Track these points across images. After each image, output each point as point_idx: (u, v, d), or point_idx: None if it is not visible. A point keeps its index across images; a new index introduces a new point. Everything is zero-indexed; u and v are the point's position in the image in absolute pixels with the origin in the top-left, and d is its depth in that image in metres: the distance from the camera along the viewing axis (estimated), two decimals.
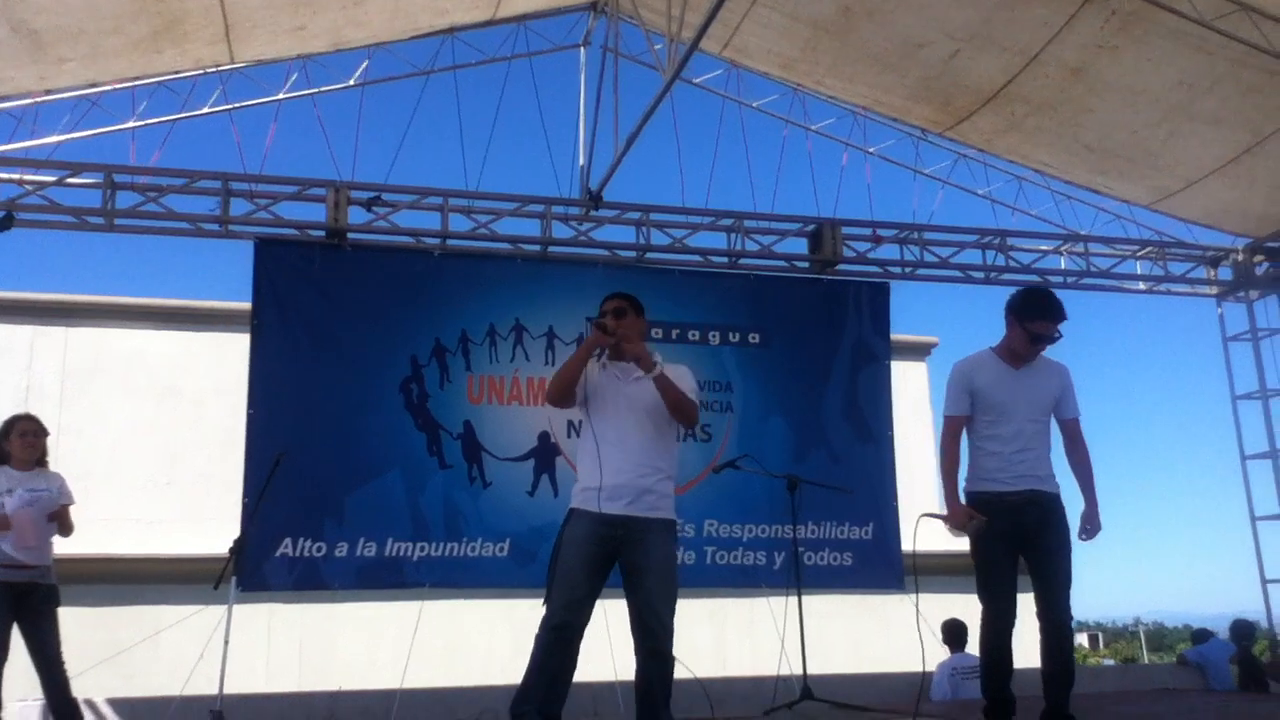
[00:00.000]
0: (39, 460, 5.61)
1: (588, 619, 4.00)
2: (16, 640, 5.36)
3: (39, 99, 7.17)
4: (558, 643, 3.94)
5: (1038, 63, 7.12)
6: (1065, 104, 7.53)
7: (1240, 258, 9.28)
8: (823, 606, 7.15)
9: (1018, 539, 4.40)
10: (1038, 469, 4.46)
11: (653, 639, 3.98)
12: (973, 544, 4.46)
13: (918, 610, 5.20)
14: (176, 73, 7.32)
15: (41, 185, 7.25)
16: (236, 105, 7.66)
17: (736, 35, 7.75)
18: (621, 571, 4.07)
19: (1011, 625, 4.42)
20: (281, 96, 7.73)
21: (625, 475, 4.03)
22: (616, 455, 4.05)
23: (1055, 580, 4.37)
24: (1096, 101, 7.43)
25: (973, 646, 7.42)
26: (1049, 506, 4.46)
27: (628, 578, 4.05)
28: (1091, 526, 4.52)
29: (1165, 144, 7.78)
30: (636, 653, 4.02)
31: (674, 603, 4.04)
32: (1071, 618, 4.42)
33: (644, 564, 4.01)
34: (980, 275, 8.81)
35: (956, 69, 7.36)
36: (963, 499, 4.52)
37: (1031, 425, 4.49)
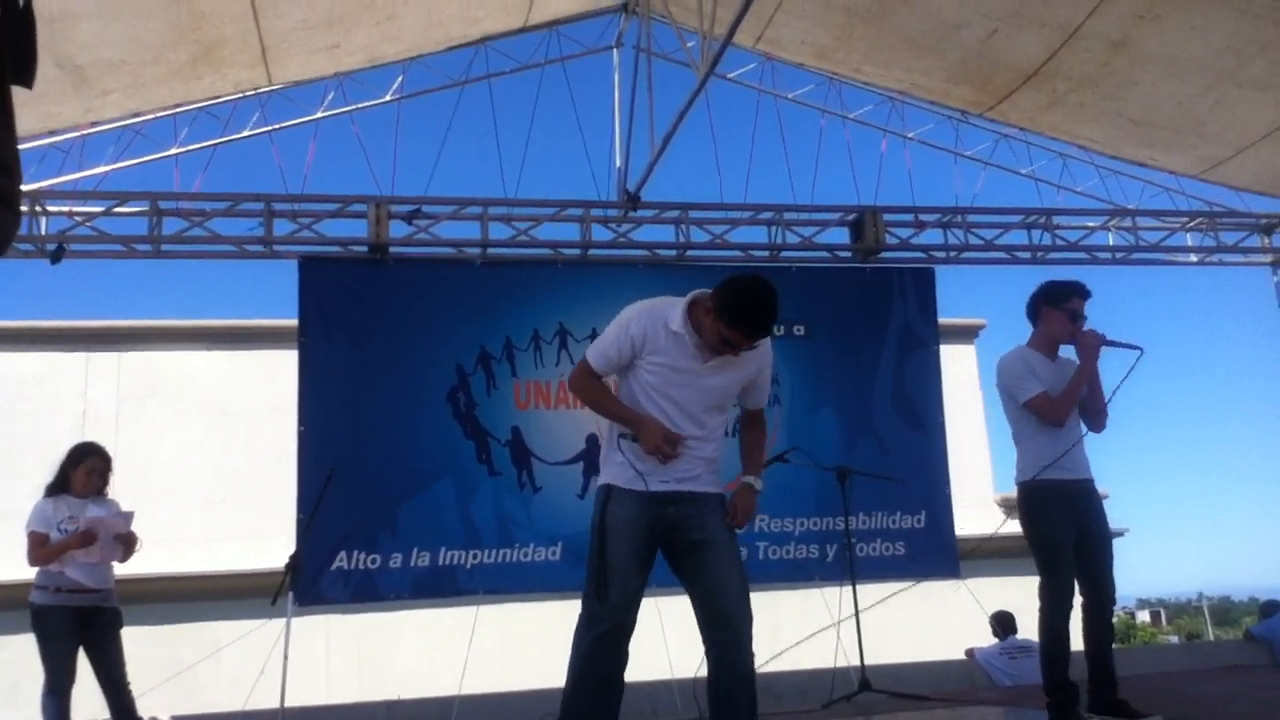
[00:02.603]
0: (98, 492, 5.69)
1: (637, 618, 3.35)
2: (83, 663, 5.46)
3: (85, 132, 7.31)
4: (609, 648, 3.29)
5: (1078, 38, 6.99)
6: (1108, 78, 7.38)
7: None
8: (876, 596, 7.10)
9: (1075, 527, 4.49)
10: (1083, 455, 4.61)
11: (731, 628, 3.27)
12: (1040, 531, 4.52)
13: None
14: (216, 98, 7.42)
15: (90, 216, 7.39)
16: (276, 127, 7.75)
17: (770, 27, 7.69)
18: (676, 555, 3.43)
19: (1071, 608, 4.46)
20: (320, 115, 7.81)
21: (684, 447, 3.39)
22: (677, 425, 3.40)
23: (1106, 563, 4.54)
24: (1140, 74, 7.29)
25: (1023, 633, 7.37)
26: (1095, 493, 4.62)
27: (687, 560, 3.39)
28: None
29: (1213, 112, 7.61)
30: (709, 651, 3.32)
31: (747, 581, 3.41)
32: (1114, 599, 4.64)
33: (708, 538, 3.36)
34: (1026, 255, 8.68)
35: (995, 48, 7.25)
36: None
37: (1074, 414, 4.62)
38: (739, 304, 3.36)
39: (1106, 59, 7.15)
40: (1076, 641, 4.50)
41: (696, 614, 3.35)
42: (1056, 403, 4.50)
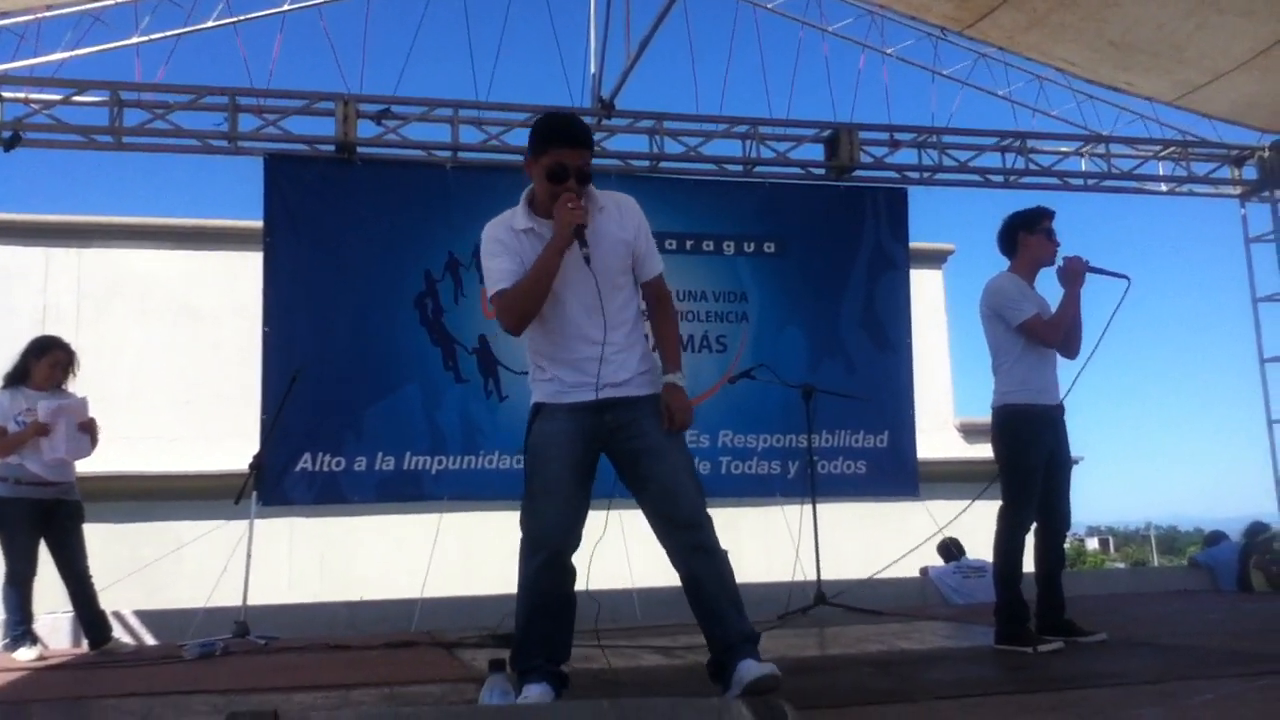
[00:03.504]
0: (58, 385, 5.61)
1: (581, 535, 3.16)
2: (45, 555, 5.46)
3: (41, 15, 7.07)
4: (553, 574, 3.10)
5: None
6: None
7: (1266, 155, 9.09)
8: (836, 514, 7.21)
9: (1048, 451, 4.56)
10: (1058, 384, 4.64)
11: (693, 533, 3.10)
12: (1019, 456, 4.52)
13: None
14: None
15: (48, 104, 7.18)
16: (241, 18, 7.56)
17: None
18: (620, 465, 3.21)
19: (1028, 532, 4.55)
20: (287, 8, 7.61)
21: (609, 349, 3.15)
22: (593, 329, 3.15)
23: (1064, 490, 4.62)
24: None
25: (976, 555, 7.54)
26: (1062, 419, 4.66)
27: (632, 469, 3.18)
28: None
29: (1192, 37, 7.56)
30: (677, 560, 3.14)
31: (700, 483, 3.23)
32: (1069, 520, 4.74)
33: (651, 445, 3.14)
34: (1000, 179, 8.67)
35: None
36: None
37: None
38: (540, 126, 3.27)
39: None
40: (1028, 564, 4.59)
41: (652, 523, 3.17)
42: (1050, 324, 4.53)
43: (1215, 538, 9.82)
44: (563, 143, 3.16)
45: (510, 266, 3.18)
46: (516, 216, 3.25)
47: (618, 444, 3.18)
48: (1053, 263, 4.65)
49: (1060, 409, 4.61)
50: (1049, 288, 4.70)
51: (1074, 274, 4.56)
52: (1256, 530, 8.95)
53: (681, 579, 3.15)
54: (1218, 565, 9.08)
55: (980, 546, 5.88)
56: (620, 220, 3.24)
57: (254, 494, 5.91)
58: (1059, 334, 4.54)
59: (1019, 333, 4.54)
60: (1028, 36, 7.94)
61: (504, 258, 3.19)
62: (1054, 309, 4.59)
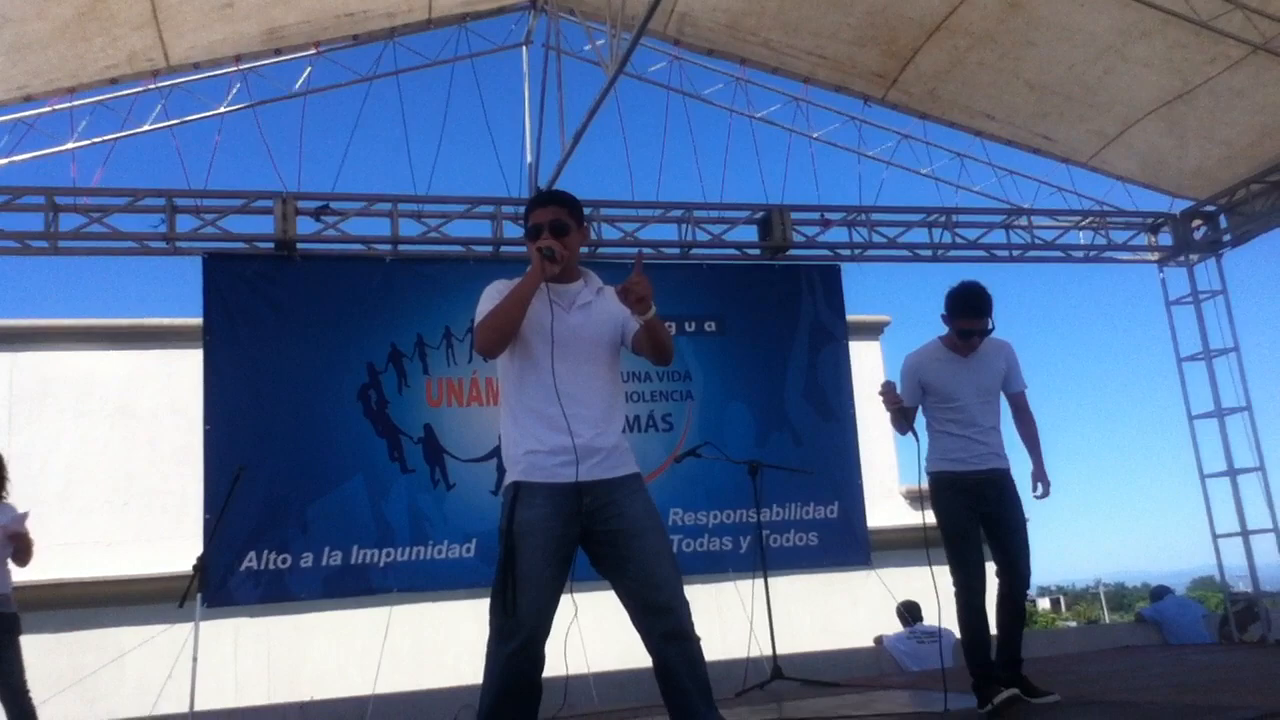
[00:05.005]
0: None
1: (552, 623, 3.09)
2: None
3: None
4: (524, 661, 3.01)
5: None
6: (1006, 35, 7.56)
7: (1179, 222, 9.48)
8: (790, 587, 7.25)
9: (980, 515, 4.64)
10: (993, 447, 4.71)
11: (669, 618, 3.03)
12: (940, 522, 4.66)
13: None
14: (113, 80, 7.22)
15: None
16: (177, 121, 7.60)
17: (680, 1, 7.71)
18: (596, 547, 3.15)
19: (984, 593, 4.59)
20: (223, 110, 7.68)
21: (591, 430, 3.14)
22: (576, 406, 3.13)
23: (1016, 548, 4.62)
24: (1036, 35, 7.51)
25: (931, 620, 7.60)
26: (1004, 482, 4.71)
27: (610, 551, 3.12)
28: (1043, 484, 4.80)
29: (1102, 81, 7.90)
30: (651, 645, 3.06)
31: (677, 565, 3.15)
32: (1030, 573, 4.68)
33: (631, 527, 3.10)
34: (928, 254, 8.93)
35: (900, 1, 7.42)
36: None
37: (982, 407, 4.73)
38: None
39: (1004, 17, 7.39)
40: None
41: (628, 607, 3.10)
42: (893, 417, 4.69)
43: (1160, 592, 10.03)
44: (535, 206, 3.37)
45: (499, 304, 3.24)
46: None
47: (595, 525, 3.12)
48: (966, 356, 4.72)
49: (987, 473, 4.64)
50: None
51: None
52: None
53: (654, 664, 3.09)
54: (1164, 620, 9.25)
55: (931, 611, 5.95)
56: (614, 299, 3.24)
57: (198, 596, 5.80)
58: (896, 427, 4.74)
59: None
60: (949, 83, 8.18)
61: (496, 299, 3.24)
62: (965, 388, 4.68)
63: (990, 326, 4.71)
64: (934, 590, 4.59)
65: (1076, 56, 7.70)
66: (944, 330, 4.81)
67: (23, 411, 11.91)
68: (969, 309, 4.67)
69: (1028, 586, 4.73)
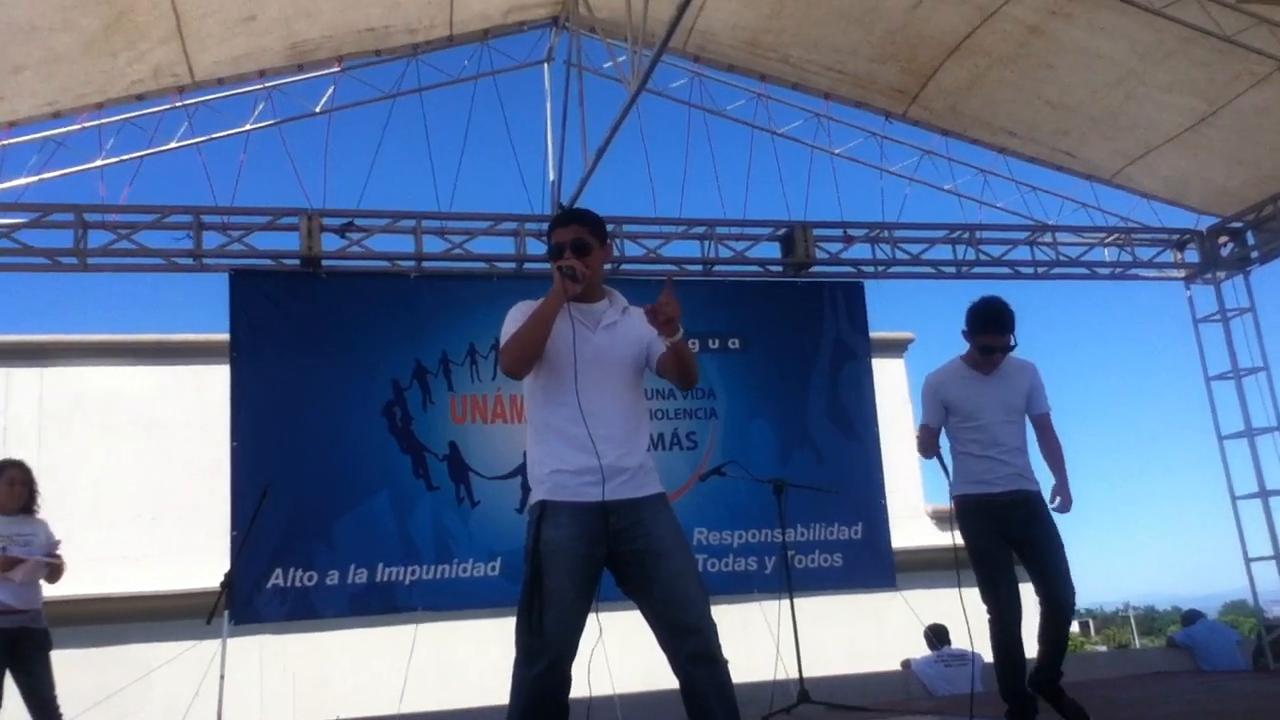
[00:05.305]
0: (24, 507, 5.56)
1: (579, 643, 3.05)
2: (10, 687, 5.33)
3: (5, 142, 7.15)
4: (551, 682, 2.98)
5: (997, 17, 7.18)
6: (1026, 57, 7.55)
7: (1205, 239, 9.39)
8: (814, 608, 7.19)
9: (1009, 538, 4.55)
10: (1018, 468, 4.61)
11: (696, 639, 2.99)
12: (969, 545, 4.57)
13: None
14: (140, 96, 7.28)
15: (13, 228, 7.22)
16: (204, 138, 7.66)
17: (701, 16, 7.66)
18: (622, 567, 3.11)
19: (1019, 619, 4.48)
20: (249, 127, 7.73)
21: (616, 450, 3.12)
22: (600, 426, 3.12)
23: (1052, 565, 4.48)
24: (1056, 59, 7.50)
25: (959, 643, 7.52)
26: (1034, 503, 4.59)
27: (636, 572, 3.08)
28: (1062, 498, 4.67)
29: (1123, 106, 7.86)
30: (678, 667, 3.01)
31: (705, 586, 3.12)
32: (1074, 594, 4.49)
33: (657, 547, 3.06)
34: (952, 270, 8.89)
35: (919, 20, 7.37)
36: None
37: (1005, 426, 4.63)
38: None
39: (1024, 40, 7.37)
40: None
41: (654, 628, 3.05)
42: (920, 440, 4.64)
43: (1192, 617, 9.88)
44: (557, 225, 3.36)
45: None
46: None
47: (621, 545, 3.09)
48: (990, 368, 4.64)
49: (1013, 494, 4.54)
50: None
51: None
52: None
53: (681, 687, 3.03)
54: (1197, 645, 9.11)
55: (960, 634, 5.88)
56: (639, 320, 3.22)
57: (225, 613, 5.81)
58: (921, 453, 4.66)
59: None
60: (970, 100, 8.15)
61: (521, 320, 3.23)
62: (988, 408, 4.62)
63: (1012, 344, 4.64)
64: (962, 613, 4.52)
65: (1098, 81, 7.66)
66: (966, 347, 4.75)
67: (52, 426, 12.00)
68: (990, 325, 4.62)
69: (1070, 612, 4.54)
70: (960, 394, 4.66)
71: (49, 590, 5.58)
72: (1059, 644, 4.53)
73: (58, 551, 5.51)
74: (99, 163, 7.44)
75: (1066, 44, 7.31)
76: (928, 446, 4.66)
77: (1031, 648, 4.51)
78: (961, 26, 7.38)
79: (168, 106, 7.47)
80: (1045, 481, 4.72)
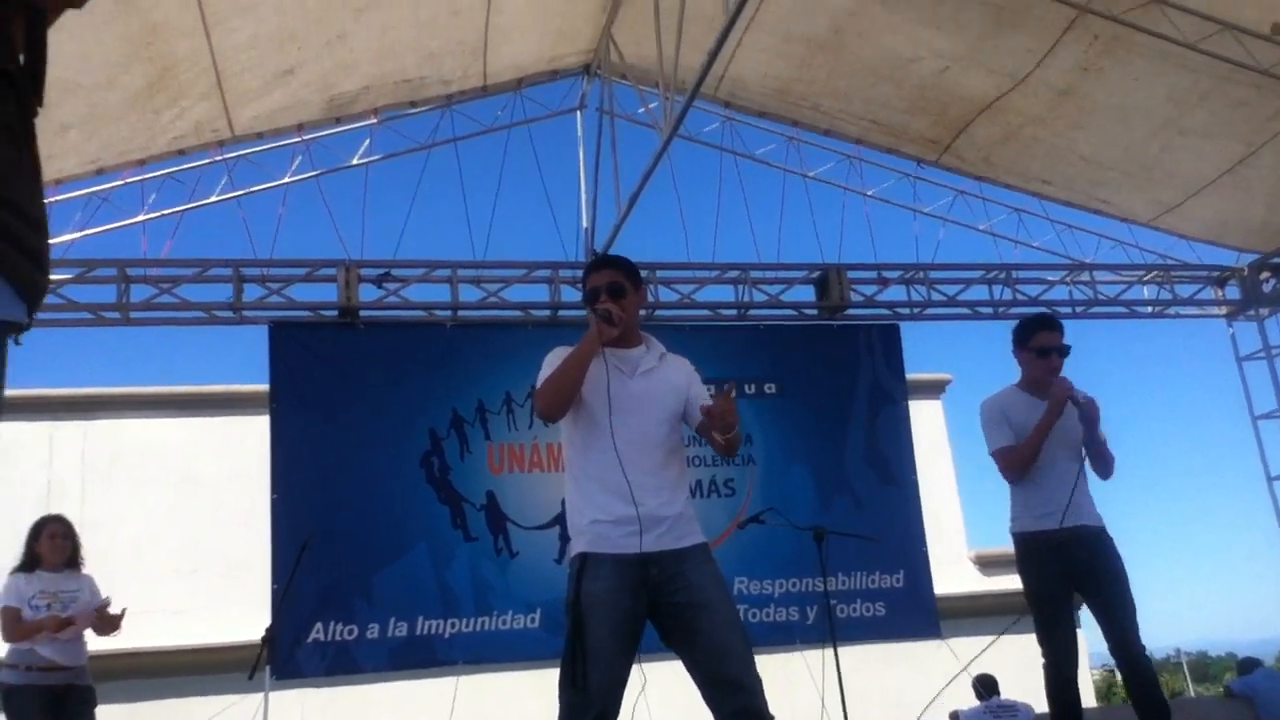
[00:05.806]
0: (69, 562, 5.60)
1: (623, 697, 3.01)
2: None
3: (52, 199, 7.29)
4: None
5: (1026, 84, 7.20)
6: (1057, 119, 7.56)
7: (1246, 275, 9.26)
8: (854, 658, 7.06)
9: (1072, 578, 4.31)
10: (1080, 503, 4.33)
11: (741, 696, 2.94)
12: (1027, 586, 4.39)
13: None
14: (181, 151, 7.41)
15: (58, 284, 7.34)
16: (243, 191, 7.77)
17: (732, 65, 7.75)
18: (664, 620, 3.08)
19: (1076, 667, 4.30)
20: (287, 180, 7.84)
21: (655, 499, 3.11)
22: (639, 474, 3.11)
23: (1120, 611, 4.22)
24: (1087, 119, 7.50)
25: (1009, 694, 7.36)
26: (1097, 540, 4.35)
27: (678, 624, 3.05)
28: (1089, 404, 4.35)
29: (1159, 158, 7.82)
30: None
31: (749, 638, 3.08)
32: (1144, 647, 4.24)
33: (699, 599, 3.03)
34: (988, 311, 8.82)
35: (949, 81, 7.40)
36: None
37: (1064, 454, 4.40)
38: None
39: (1055, 104, 7.37)
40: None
41: (698, 682, 3.01)
42: (1014, 457, 4.32)
43: (1249, 665, 9.51)
44: (592, 270, 3.43)
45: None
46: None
47: (663, 597, 3.06)
48: (1049, 381, 4.40)
49: (1077, 532, 4.25)
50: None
51: (1054, 400, 4.31)
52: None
53: None
54: (1256, 694, 8.83)
55: (1009, 684, 5.75)
56: (676, 369, 3.38)
57: (267, 668, 5.79)
58: (1017, 470, 4.33)
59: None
60: (1003, 152, 8.12)
61: (557, 365, 3.28)
62: (1049, 437, 4.32)
63: (1068, 346, 4.46)
64: (1009, 662, 4.41)
65: (1132, 137, 7.64)
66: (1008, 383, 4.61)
67: (95, 479, 12.11)
68: (1044, 323, 4.52)
69: (1143, 649, 4.20)
70: (1023, 418, 4.41)
71: (92, 645, 5.60)
72: (1154, 694, 4.15)
73: (109, 607, 5.51)
74: (141, 217, 7.56)
75: (1100, 102, 7.29)
76: (1026, 460, 4.32)
77: (1089, 697, 4.35)
78: (991, 90, 7.40)
79: (208, 161, 7.59)
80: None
